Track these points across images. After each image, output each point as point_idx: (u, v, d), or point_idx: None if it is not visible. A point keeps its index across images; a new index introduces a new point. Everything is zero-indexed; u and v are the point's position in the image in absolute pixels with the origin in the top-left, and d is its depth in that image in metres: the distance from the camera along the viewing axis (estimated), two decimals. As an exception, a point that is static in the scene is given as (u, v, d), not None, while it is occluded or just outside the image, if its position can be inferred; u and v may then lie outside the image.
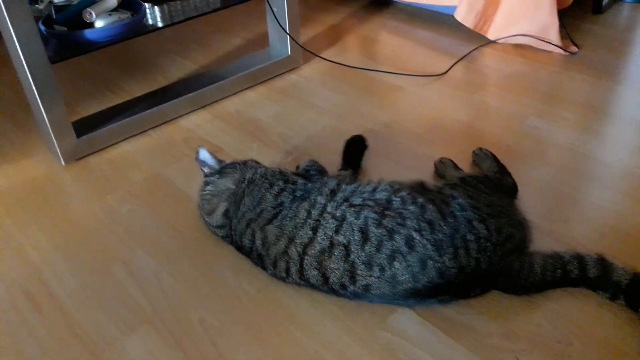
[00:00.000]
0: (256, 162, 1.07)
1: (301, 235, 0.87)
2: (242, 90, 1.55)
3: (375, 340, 0.82)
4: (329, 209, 0.88)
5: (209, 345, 0.83)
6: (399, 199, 0.88)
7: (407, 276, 0.81)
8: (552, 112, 1.37)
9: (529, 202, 1.06)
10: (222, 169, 1.04)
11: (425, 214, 0.85)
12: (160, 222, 1.08)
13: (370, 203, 0.88)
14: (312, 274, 0.85)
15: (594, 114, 1.36)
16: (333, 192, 0.91)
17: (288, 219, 0.89)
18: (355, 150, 1.21)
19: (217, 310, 0.88)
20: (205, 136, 1.35)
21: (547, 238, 0.98)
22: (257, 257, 0.92)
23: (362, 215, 0.86)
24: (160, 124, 1.41)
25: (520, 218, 0.93)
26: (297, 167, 1.10)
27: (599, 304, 0.86)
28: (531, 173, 1.15)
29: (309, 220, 0.87)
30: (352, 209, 0.87)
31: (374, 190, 0.91)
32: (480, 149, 1.17)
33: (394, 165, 1.21)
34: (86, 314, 0.89)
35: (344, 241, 0.84)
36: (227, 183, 1.00)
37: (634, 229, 1.00)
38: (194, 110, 1.47)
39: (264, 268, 0.92)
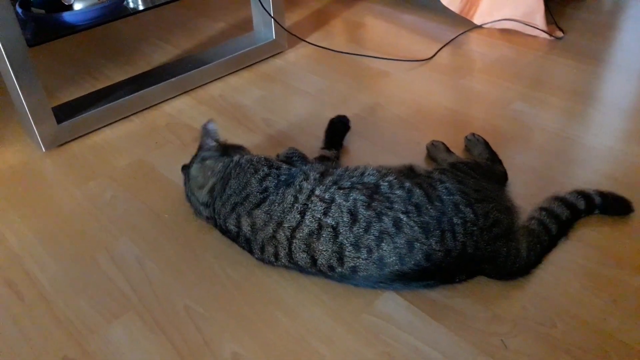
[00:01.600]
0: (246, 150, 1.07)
1: (289, 220, 0.86)
2: (226, 75, 1.53)
3: (361, 324, 0.83)
4: (317, 192, 0.88)
5: (194, 331, 0.82)
6: (386, 184, 0.88)
7: (394, 258, 0.81)
8: (537, 97, 1.38)
9: (514, 186, 1.06)
10: (225, 147, 1.03)
11: (413, 197, 0.85)
12: (144, 209, 1.06)
13: (359, 186, 0.88)
14: (301, 256, 0.85)
15: (579, 98, 1.37)
16: (322, 176, 0.91)
17: (276, 204, 0.89)
18: (338, 129, 1.21)
19: (201, 297, 0.88)
20: (188, 121, 1.33)
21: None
22: (245, 242, 0.91)
23: (351, 197, 0.86)
24: (143, 110, 1.39)
25: (509, 204, 0.93)
26: (278, 155, 1.09)
27: (582, 286, 0.87)
28: (516, 157, 1.15)
29: (297, 205, 0.87)
30: (341, 191, 0.87)
31: (362, 174, 0.91)
32: (473, 134, 1.17)
33: (380, 150, 1.21)
34: (69, 302, 0.88)
35: (333, 223, 0.84)
36: (224, 160, 0.99)
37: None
38: (177, 96, 1.44)
39: (251, 252, 0.91)
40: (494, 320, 0.82)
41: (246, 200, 0.91)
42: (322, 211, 0.85)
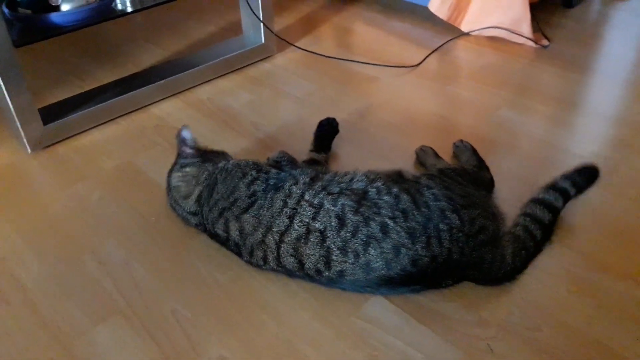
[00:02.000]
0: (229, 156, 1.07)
1: (278, 224, 0.86)
2: (214, 78, 1.53)
3: (348, 328, 0.83)
4: (306, 197, 0.88)
5: (181, 335, 0.82)
6: (374, 190, 0.88)
7: (380, 263, 0.82)
8: (523, 104, 1.40)
9: (500, 192, 1.07)
10: (204, 153, 1.03)
11: (400, 203, 0.86)
12: (131, 211, 1.06)
13: (348, 192, 0.88)
14: (289, 260, 0.85)
15: (565, 105, 1.39)
16: (312, 181, 0.91)
17: (265, 208, 0.88)
18: (327, 132, 1.21)
19: (189, 301, 0.87)
20: (176, 124, 1.33)
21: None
22: (234, 245, 0.91)
23: (340, 203, 0.86)
24: (131, 112, 1.38)
25: (495, 211, 0.94)
26: (268, 159, 1.09)
27: (568, 291, 0.88)
28: (502, 163, 1.17)
29: (286, 209, 0.87)
30: (330, 196, 0.87)
31: (351, 180, 0.91)
32: (461, 141, 1.18)
33: (368, 155, 1.22)
34: (55, 305, 0.87)
35: (320, 227, 0.84)
36: (209, 168, 0.99)
37: (602, 217, 1.02)
38: (165, 98, 1.44)
39: (240, 255, 0.91)
40: (480, 324, 0.83)
41: (234, 205, 0.91)
42: (311, 216, 0.85)
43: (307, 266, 0.84)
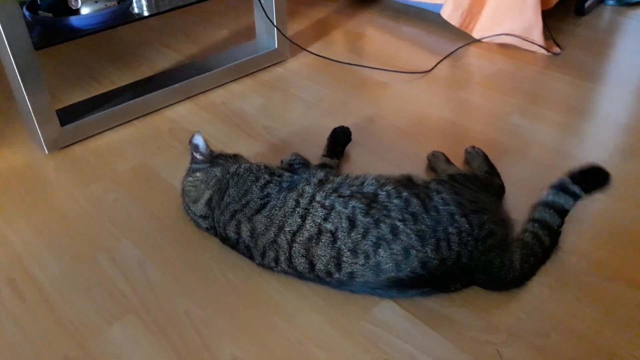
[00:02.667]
0: (243, 158, 1.08)
1: (290, 223, 0.88)
2: (228, 82, 1.55)
3: (358, 331, 0.84)
4: (318, 198, 0.89)
5: (193, 334, 0.83)
6: (384, 193, 0.89)
7: (390, 264, 0.83)
8: (534, 111, 1.40)
9: (510, 199, 1.08)
10: (214, 158, 1.05)
11: (410, 207, 0.87)
12: (145, 212, 1.08)
13: (359, 195, 0.89)
14: (300, 261, 0.86)
15: (575, 113, 1.39)
16: (321, 182, 0.93)
17: (277, 208, 0.90)
18: (340, 139, 1.23)
19: (201, 301, 0.89)
20: (190, 127, 1.35)
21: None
22: (245, 248, 0.92)
23: (350, 205, 0.87)
24: (146, 114, 1.40)
25: (504, 216, 0.95)
26: (281, 162, 1.11)
27: (577, 298, 0.89)
28: (512, 169, 1.17)
29: (298, 209, 0.89)
30: (341, 199, 0.89)
31: (362, 183, 0.92)
32: (473, 147, 1.19)
33: (378, 160, 1.23)
34: (70, 303, 0.89)
35: (332, 228, 0.85)
36: (217, 172, 1.00)
37: (611, 225, 1.03)
38: (179, 101, 1.46)
39: (251, 259, 0.93)
40: (489, 329, 0.84)
41: (246, 207, 0.92)
42: (323, 217, 0.87)
43: (318, 267, 0.85)
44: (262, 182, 0.94)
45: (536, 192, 1.10)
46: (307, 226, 0.87)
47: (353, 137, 1.25)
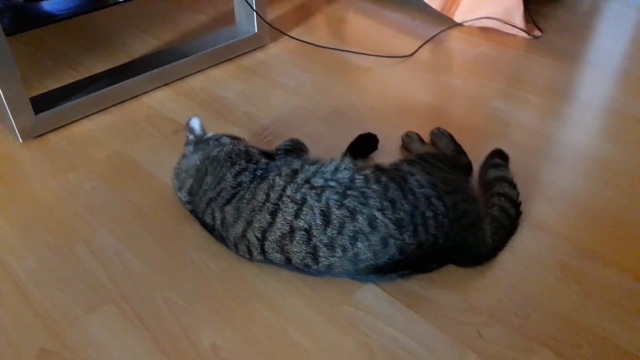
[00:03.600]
0: (235, 137, 1.04)
1: (259, 220, 0.86)
2: (207, 68, 1.52)
3: (340, 315, 0.84)
4: (288, 192, 0.86)
5: (173, 324, 0.82)
6: (362, 177, 0.88)
7: (368, 254, 0.82)
8: (515, 94, 1.40)
9: (491, 182, 1.08)
10: (197, 144, 1.03)
11: (388, 192, 0.85)
12: (123, 201, 1.06)
13: (332, 184, 0.87)
14: (275, 256, 0.85)
15: (556, 96, 1.40)
16: (294, 172, 0.90)
17: (245, 201, 0.88)
18: (361, 146, 1.16)
19: (182, 289, 0.88)
20: (168, 114, 1.33)
21: (508, 216, 1.01)
22: (219, 237, 0.92)
23: (324, 197, 0.85)
24: (123, 101, 1.38)
25: (474, 194, 0.95)
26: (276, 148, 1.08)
27: (557, 279, 0.89)
28: (494, 153, 1.17)
29: (267, 204, 0.86)
30: (313, 191, 0.86)
31: (336, 169, 0.90)
32: (438, 128, 1.19)
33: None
34: (47, 294, 0.87)
35: (305, 226, 0.83)
36: (197, 160, 0.99)
37: (591, 207, 1.04)
38: (157, 88, 1.43)
39: (227, 247, 0.92)
40: (469, 311, 0.84)
41: (219, 196, 0.91)
42: (294, 213, 0.84)
43: (295, 262, 0.84)
44: (237, 169, 0.93)
45: (517, 174, 1.10)
46: (278, 224, 0.84)
47: (334, 121, 1.24)
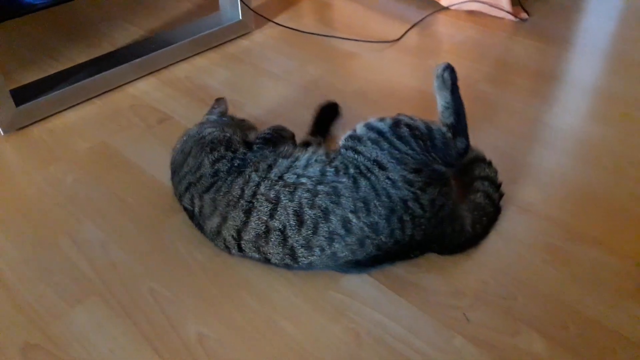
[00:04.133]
0: (241, 121, 1.07)
1: (234, 217, 0.84)
2: (191, 56, 1.50)
3: (327, 302, 0.83)
4: (262, 189, 0.84)
5: (159, 315, 0.82)
6: (332, 170, 0.84)
7: (346, 253, 0.81)
8: (502, 78, 1.40)
9: (478, 165, 1.08)
10: (202, 123, 1.02)
11: (359, 190, 0.82)
12: (107, 193, 1.04)
13: (304, 180, 0.84)
14: (253, 255, 0.85)
15: (543, 79, 1.39)
16: (269, 168, 0.87)
17: (221, 193, 0.86)
18: (325, 115, 1.17)
19: (167, 280, 0.87)
20: (153, 103, 1.31)
21: (494, 199, 1.01)
22: (198, 226, 0.91)
23: (297, 196, 0.82)
24: (106, 92, 1.36)
25: (448, 175, 0.90)
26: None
27: (543, 260, 0.89)
28: (482, 137, 1.17)
29: (242, 201, 0.84)
30: (286, 189, 0.83)
31: (308, 164, 0.87)
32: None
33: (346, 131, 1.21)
34: (31, 288, 0.86)
35: (280, 226, 0.81)
36: (183, 141, 0.98)
37: (577, 188, 1.04)
38: (141, 77, 1.41)
39: (205, 237, 0.91)
40: (456, 294, 0.84)
41: (199, 182, 0.90)
42: (268, 213, 0.82)
43: (274, 261, 0.84)
44: (215, 156, 0.90)
45: (504, 158, 1.10)
46: (253, 223, 0.83)
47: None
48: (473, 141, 1.10)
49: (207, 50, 1.53)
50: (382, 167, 0.84)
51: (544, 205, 1.00)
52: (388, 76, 1.41)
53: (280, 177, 0.85)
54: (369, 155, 0.86)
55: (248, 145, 0.95)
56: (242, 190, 0.85)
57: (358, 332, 0.79)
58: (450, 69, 0.99)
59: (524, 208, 0.99)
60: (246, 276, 0.87)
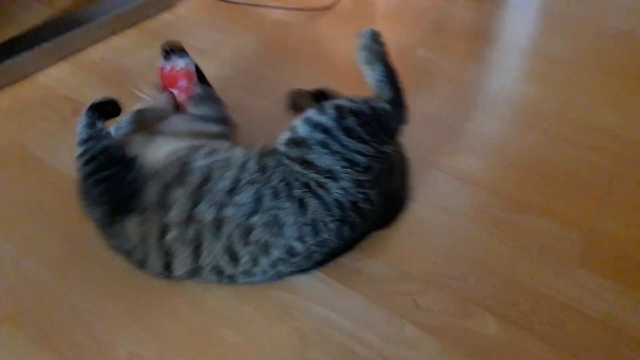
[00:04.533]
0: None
1: (154, 259, 0.75)
2: (109, 36, 1.37)
3: (269, 301, 0.78)
4: (169, 236, 0.72)
5: (84, 337, 0.74)
6: (270, 191, 0.72)
7: (292, 269, 0.76)
8: (438, 42, 1.35)
9: (417, 136, 1.03)
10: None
11: (307, 213, 0.71)
12: (18, 199, 0.94)
13: (230, 212, 0.71)
14: (191, 279, 0.77)
15: (479, 41, 1.35)
16: (165, 196, 0.74)
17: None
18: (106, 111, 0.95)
19: (91, 295, 0.79)
20: (67, 92, 1.19)
21: (435, 172, 0.97)
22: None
23: (224, 234, 0.71)
24: (13, 82, 1.22)
25: (402, 155, 0.86)
26: None
27: (490, 234, 0.87)
28: (421, 106, 1.12)
29: (152, 247, 0.74)
30: (206, 227, 0.71)
31: (233, 188, 0.72)
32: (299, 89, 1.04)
33: (280, 110, 1.13)
34: None
35: (210, 265, 0.73)
36: None
37: (520, 156, 1.01)
38: (52, 63, 1.28)
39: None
40: (404, 279, 0.80)
41: None
42: (191, 257, 0.72)
43: (215, 283, 0.77)
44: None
45: (444, 126, 1.06)
46: (177, 266, 0.74)
47: (253, 85, 1.14)
48: (412, 110, 1.05)
49: (126, 28, 1.40)
50: (335, 178, 0.73)
51: (487, 175, 0.97)
52: (322, 46, 1.33)
53: (190, 217, 0.71)
54: (322, 165, 0.73)
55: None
56: (144, 240, 0.74)
57: (303, 331, 0.74)
58: (377, 35, 0.89)
59: (467, 180, 0.96)
60: (178, 283, 0.80)
